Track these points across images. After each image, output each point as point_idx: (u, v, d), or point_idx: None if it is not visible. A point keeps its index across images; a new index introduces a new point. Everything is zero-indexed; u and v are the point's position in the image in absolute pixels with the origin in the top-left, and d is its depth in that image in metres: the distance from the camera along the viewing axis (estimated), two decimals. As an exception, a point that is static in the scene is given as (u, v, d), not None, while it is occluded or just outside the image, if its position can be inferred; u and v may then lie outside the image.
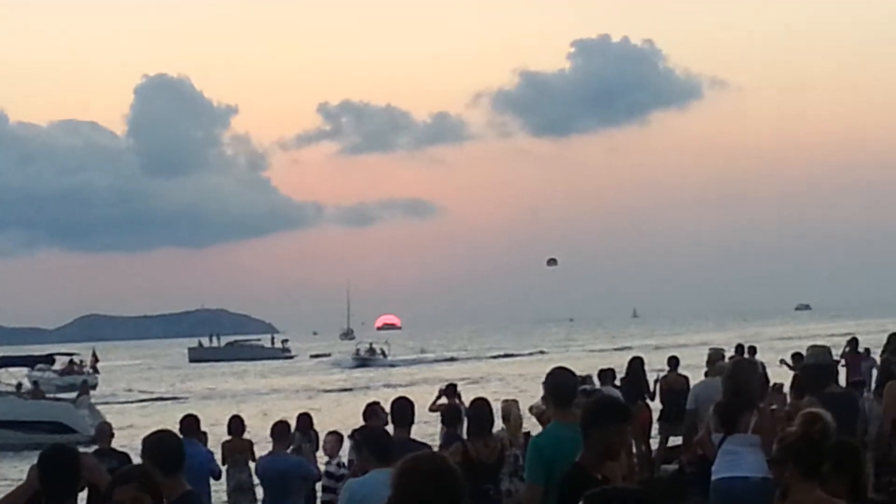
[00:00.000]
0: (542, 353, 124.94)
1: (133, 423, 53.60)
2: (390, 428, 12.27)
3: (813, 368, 11.84)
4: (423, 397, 21.92)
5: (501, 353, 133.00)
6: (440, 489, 4.93)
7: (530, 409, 16.40)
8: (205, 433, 17.29)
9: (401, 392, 17.55)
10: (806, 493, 6.54)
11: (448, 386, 22.12)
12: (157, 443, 7.71)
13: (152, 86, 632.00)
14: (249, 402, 66.81)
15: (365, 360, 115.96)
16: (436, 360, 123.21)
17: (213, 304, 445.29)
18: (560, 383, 9.00)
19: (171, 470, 7.48)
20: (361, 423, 12.94)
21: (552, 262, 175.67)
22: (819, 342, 13.60)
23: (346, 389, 78.30)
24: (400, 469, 5.06)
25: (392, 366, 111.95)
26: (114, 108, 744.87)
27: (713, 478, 10.99)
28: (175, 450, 7.65)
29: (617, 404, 8.13)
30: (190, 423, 15.82)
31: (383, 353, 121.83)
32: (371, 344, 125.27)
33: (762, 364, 26.21)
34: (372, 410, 15.25)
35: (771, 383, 18.31)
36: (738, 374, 11.10)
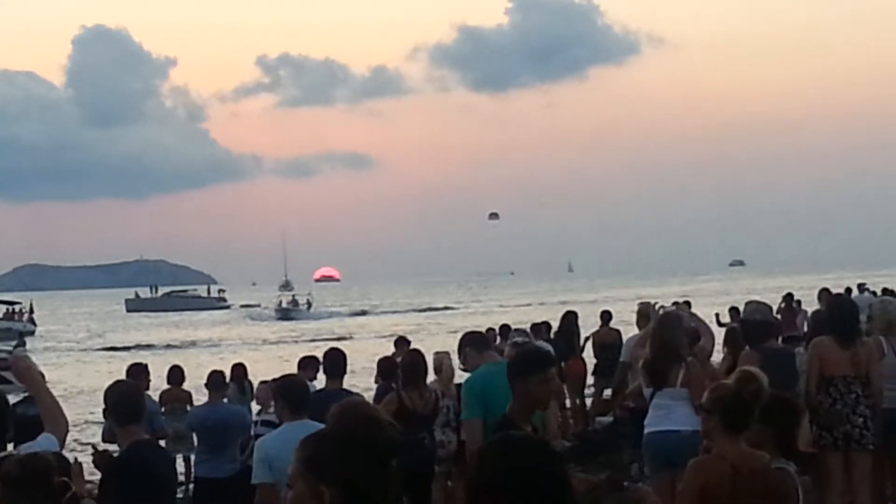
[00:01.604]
0: (474, 305, 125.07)
1: (67, 372, 53.54)
2: (322, 378, 12.30)
3: (754, 323, 11.88)
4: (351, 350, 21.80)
5: (439, 305, 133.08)
6: (380, 432, 4.83)
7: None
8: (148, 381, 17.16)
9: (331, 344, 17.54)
10: (729, 445, 6.61)
11: (399, 339, 22.07)
12: (114, 394, 7.67)
13: (90, 37, 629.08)
14: (175, 352, 66.46)
15: (287, 313, 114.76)
16: (361, 313, 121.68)
17: (153, 255, 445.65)
18: (472, 337, 10.43)
19: (125, 421, 7.50)
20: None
21: (493, 216, 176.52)
22: (755, 298, 13.64)
23: (277, 342, 78.19)
24: (340, 409, 4.95)
25: (315, 318, 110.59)
26: (52, 59, 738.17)
27: (645, 431, 11.09)
28: (131, 402, 7.61)
29: (538, 353, 8.10)
30: (138, 371, 15.72)
31: (308, 304, 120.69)
32: (294, 296, 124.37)
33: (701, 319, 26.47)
34: (307, 363, 15.27)
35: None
36: (664, 327, 11.14)
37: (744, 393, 6.70)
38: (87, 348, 78.79)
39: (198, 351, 69.55)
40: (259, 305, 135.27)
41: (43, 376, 15.11)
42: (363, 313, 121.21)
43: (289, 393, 9.09)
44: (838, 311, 11.72)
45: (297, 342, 72.76)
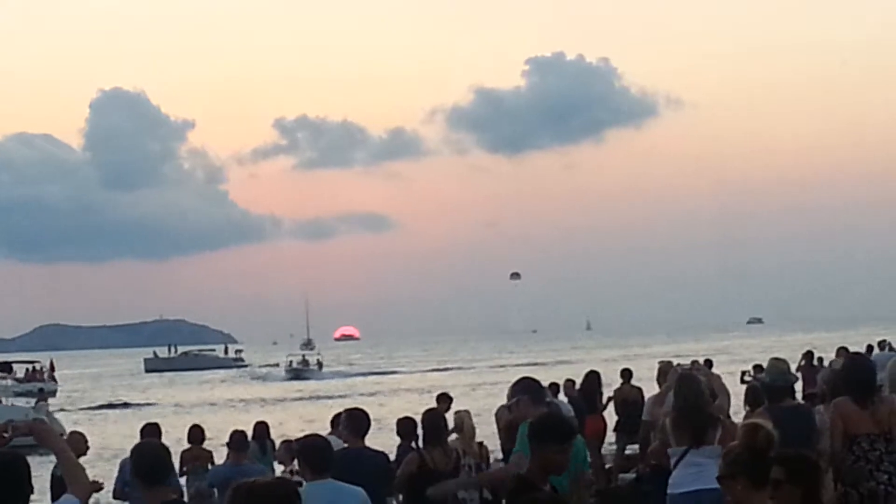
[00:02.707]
0: (500, 366, 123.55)
1: (87, 432, 53.48)
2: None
3: (770, 383, 11.85)
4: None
5: (455, 365, 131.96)
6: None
7: (498, 415, 16.59)
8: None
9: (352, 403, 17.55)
10: (756, 504, 6.54)
11: (441, 395, 22.06)
12: (140, 453, 7.67)
13: (108, 100, 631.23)
14: (191, 412, 66.39)
15: (298, 372, 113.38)
16: (373, 373, 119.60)
17: (172, 315, 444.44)
18: (530, 384, 10.03)
19: (151, 481, 7.43)
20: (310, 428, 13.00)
21: (515, 276, 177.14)
22: (778, 355, 13.57)
23: (297, 399, 77.90)
24: (233, 490, 4.99)
25: (326, 378, 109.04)
26: (69, 122, 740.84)
27: (676, 491, 10.86)
28: (158, 462, 7.55)
29: (559, 423, 7.93)
30: (151, 431, 15.71)
31: (319, 364, 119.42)
32: (304, 356, 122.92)
33: (717, 377, 26.48)
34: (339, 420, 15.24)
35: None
36: (686, 386, 11.06)
37: (756, 443, 6.63)
38: (106, 406, 78.79)
39: (205, 410, 69.33)
40: (278, 365, 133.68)
41: (85, 438, 14.94)
42: (376, 373, 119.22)
43: (310, 453, 9.06)
44: (854, 371, 11.67)
45: (315, 399, 72.70)
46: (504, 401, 15.97)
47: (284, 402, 75.88)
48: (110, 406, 78.53)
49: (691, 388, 10.98)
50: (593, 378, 23.42)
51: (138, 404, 79.14)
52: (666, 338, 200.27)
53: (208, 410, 68.90)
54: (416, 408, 18.25)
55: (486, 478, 10.59)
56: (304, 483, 8.91)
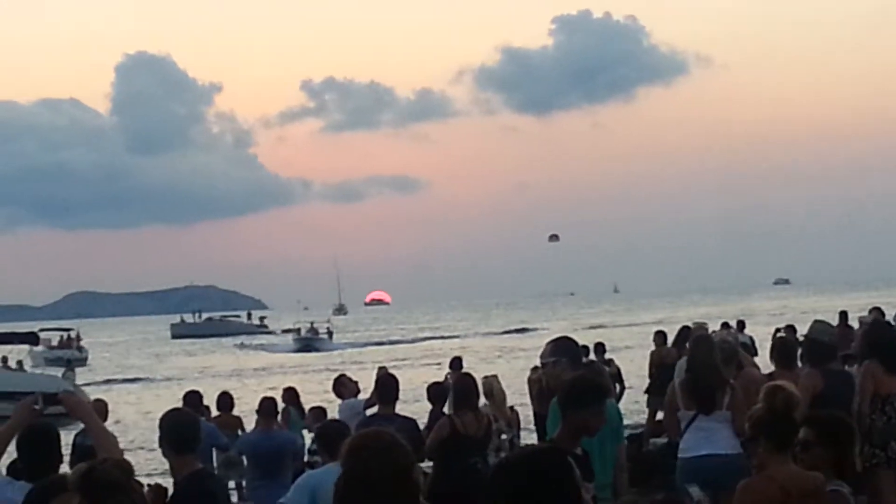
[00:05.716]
0: (521, 330, 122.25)
1: (117, 401, 53.70)
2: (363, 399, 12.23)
3: (819, 343, 11.77)
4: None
5: (480, 331, 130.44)
6: (388, 464, 4.84)
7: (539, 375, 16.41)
8: (207, 407, 17.98)
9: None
10: (780, 466, 6.51)
11: (454, 360, 22.09)
12: (170, 421, 7.61)
13: (133, 64, 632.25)
14: (211, 380, 66.30)
15: (308, 342, 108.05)
16: (387, 342, 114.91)
17: (202, 281, 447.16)
18: (570, 345, 9.91)
19: (181, 449, 7.43)
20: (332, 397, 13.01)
21: (554, 238, 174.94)
22: (818, 317, 13.44)
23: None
24: (349, 446, 4.98)
25: (337, 349, 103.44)
26: (96, 87, 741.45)
27: (684, 455, 10.80)
28: (187, 429, 7.56)
29: (595, 384, 7.89)
30: (193, 398, 16.08)
31: (329, 333, 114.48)
32: (313, 324, 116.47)
33: (751, 338, 26.54)
34: (340, 382, 15.24)
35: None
36: (698, 351, 11.03)
37: (775, 403, 6.60)
38: (130, 380, 78.51)
39: (217, 379, 68.74)
40: (300, 331, 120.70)
41: (106, 407, 15.11)
42: (389, 342, 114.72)
43: (326, 438, 8.84)
44: (877, 337, 11.64)
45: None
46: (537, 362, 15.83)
47: (302, 368, 75.65)
48: (135, 380, 77.67)
49: (704, 351, 10.92)
50: (686, 334, 23.32)
51: (157, 378, 78.55)
52: (695, 300, 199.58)
53: (222, 379, 68.32)
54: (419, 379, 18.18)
55: None
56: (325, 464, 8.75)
